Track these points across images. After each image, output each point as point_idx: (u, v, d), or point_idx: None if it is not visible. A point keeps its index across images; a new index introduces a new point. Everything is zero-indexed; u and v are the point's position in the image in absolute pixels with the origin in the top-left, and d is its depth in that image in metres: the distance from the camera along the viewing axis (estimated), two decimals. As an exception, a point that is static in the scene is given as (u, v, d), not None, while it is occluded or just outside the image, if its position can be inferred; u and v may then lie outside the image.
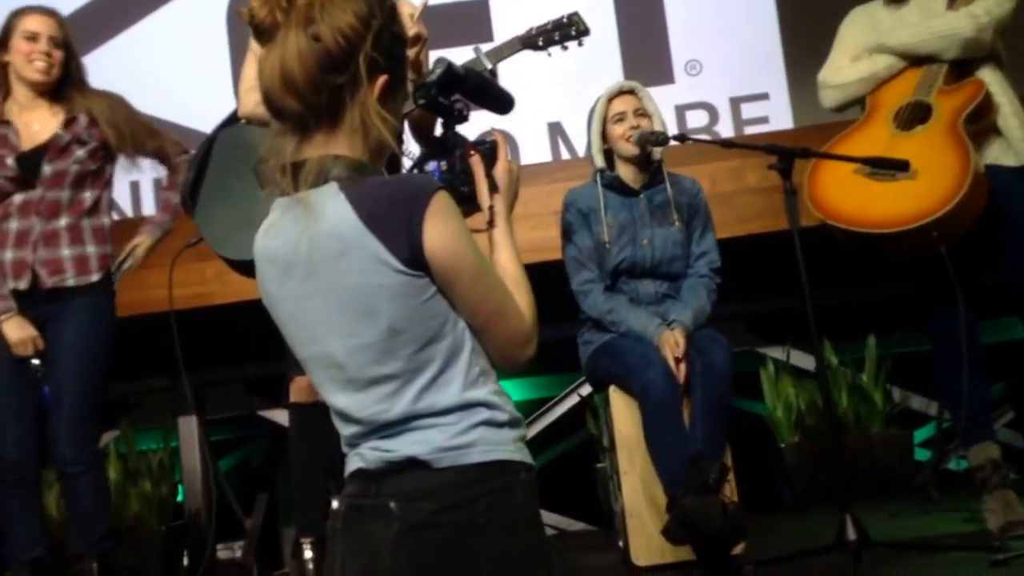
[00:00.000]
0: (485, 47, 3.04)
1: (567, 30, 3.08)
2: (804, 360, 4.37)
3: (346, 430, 1.71)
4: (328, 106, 1.65)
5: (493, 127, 4.39)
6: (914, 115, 3.19)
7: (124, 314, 3.47)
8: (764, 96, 4.71)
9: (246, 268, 3.08)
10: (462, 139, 1.94)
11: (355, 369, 1.65)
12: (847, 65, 3.37)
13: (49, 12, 3.38)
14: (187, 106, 4.44)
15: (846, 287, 4.42)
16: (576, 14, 3.10)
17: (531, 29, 3.09)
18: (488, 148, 1.87)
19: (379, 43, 1.67)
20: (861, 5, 3.46)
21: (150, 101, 4.64)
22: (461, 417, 1.65)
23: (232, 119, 3.17)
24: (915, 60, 3.27)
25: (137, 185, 4.62)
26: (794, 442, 4.22)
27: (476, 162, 1.86)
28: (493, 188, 1.84)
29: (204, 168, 3.11)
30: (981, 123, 3.17)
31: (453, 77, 2.00)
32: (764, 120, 4.68)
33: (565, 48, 3.10)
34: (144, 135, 3.44)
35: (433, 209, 1.61)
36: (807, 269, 2.92)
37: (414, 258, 1.61)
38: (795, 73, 4.69)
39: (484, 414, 1.66)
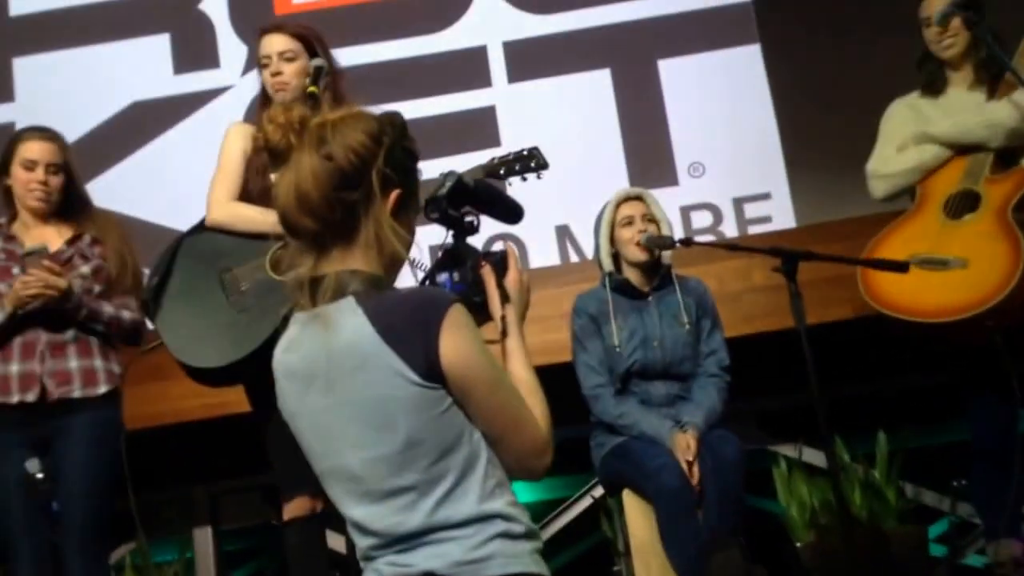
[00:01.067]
0: (459, 167, 3.14)
1: (527, 163, 3.19)
2: (816, 457, 4.34)
3: (363, 542, 1.71)
4: (343, 223, 1.69)
5: (503, 238, 4.51)
6: (963, 204, 3.22)
7: (137, 426, 3.45)
8: (766, 196, 4.78)
9: (206, 376, 3.13)
10: (473, 250, 1.97)
11: (372, 481, 1.67)
12: (894, 155, 3.40)
13: (48, 136, 3.39)
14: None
15: (855, 382, 4.42)
16: (536, 148, 3.21)
17: (493, 159, 3.21)
18: (498, 259, 1.91)
19: (391, 159, 1.73)
20: (899, 98, 3.50)
21: (169, 213, 4.77)
22: (478, 530, 1.65)
23: (199, 227, 3.23)
24: (961, 150, 3.30)
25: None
26: (810, 542, 4.18)
27: (487, 273, 1.89)
28: (505, 298, 1.87)
29: (168, 275, 3.15)
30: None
31: (463, 189, 2.05)
32: (767, 219, 4.73)
33: (524, 179, 3.20)
34: (134, 276, 3.44)
35: (449, 322, 1.65)
36: (817, 366, 2.94)
37: (431, 370, 1.64)
38: (795, 173, 4.76)
39: (501, 526, 1.67)
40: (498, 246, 1.97)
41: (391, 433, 1.65)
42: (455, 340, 1.65)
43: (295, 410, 1.74)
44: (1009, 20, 3.45)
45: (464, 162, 3.19)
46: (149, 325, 3.31)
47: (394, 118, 1.80)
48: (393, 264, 1.76)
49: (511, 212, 2.45)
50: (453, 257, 1.98)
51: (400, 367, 1.64)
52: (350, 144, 1.69)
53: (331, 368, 1.67)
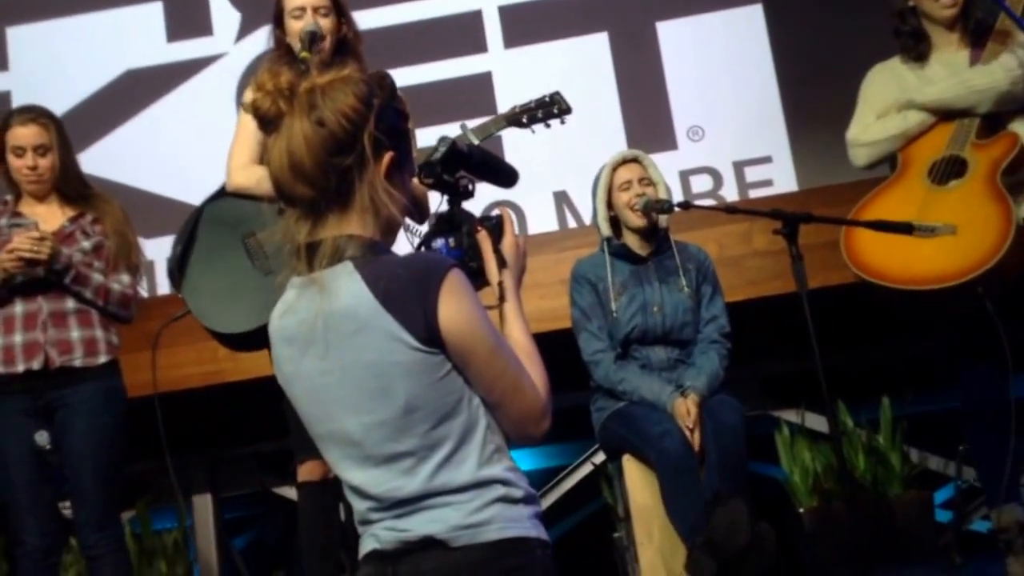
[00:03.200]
0: (471, 123, 3.10)
1: (550, 108, 3.15)
2: (819, 423, 4.33)
3: (361, 505, 1.71)
4: (338, 188, 1.68)
5: (501, 204, 4.49)
6: (949, 170, 3.17)
7: (138, 394, 3.46)
8: (767, 159, 4.74)
9: (234, 341, 3.12)
10: (468, 215, 1.95)
11: (371, 446, 1.66)
12: (875, 122, 3.35)
13: (32, 118, 3.36)
14: (200, 184, 4.50)
15: (859, 347, 4.41)
16: (558, 93, 3.18)
17: (515, 107, 3.17)
18: (494, 224, 1.89)
19: (382, 121, 1.71)
20: (879, 63, 3.44)
21: (164, 181, 4.75)
22: (476, 495, 1.65)
23: (220, 193, 3.20)
24: (946, 115, 3.25)
25: (152, 265, 4.64)
26: (812, 507, 4.17)
27: (483, 238, 1.88)
28: (501, 263, 1.86)
29: (191, 242, 3.13)
30: (1016, 175, 3.14)
31: (457, 154, 2.03)
32: (768, 183, 4.70)
33: (548, 126, 3.17)
34: (135, 253, 3.46)
35: (448, 287, 1.64)
36: (819, 330, 2.91)
37: (430, 336, 1.63)
38: (797, 136, 4.72)
39: (500, 491, 1.66)
40: (495, 212, 1.94)
41: (390, 398, 1.64)
42: (454, 305, 1.64)
43: (292, 374, 1.73)
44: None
45: (456, 129, 3.14)
46: (167, 292, 3.29)
47: (383, 79, 1.77)
48: (390, 228, 1.75)
49: (506, 176, 2.43)
50: (449, 222, 1.95)
51: (399, 332, 1.63)
52: (341, 108, 1.67)
53: (328, 332, 1.66)
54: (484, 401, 1.69)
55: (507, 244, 1.87)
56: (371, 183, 1.69)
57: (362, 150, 1.68)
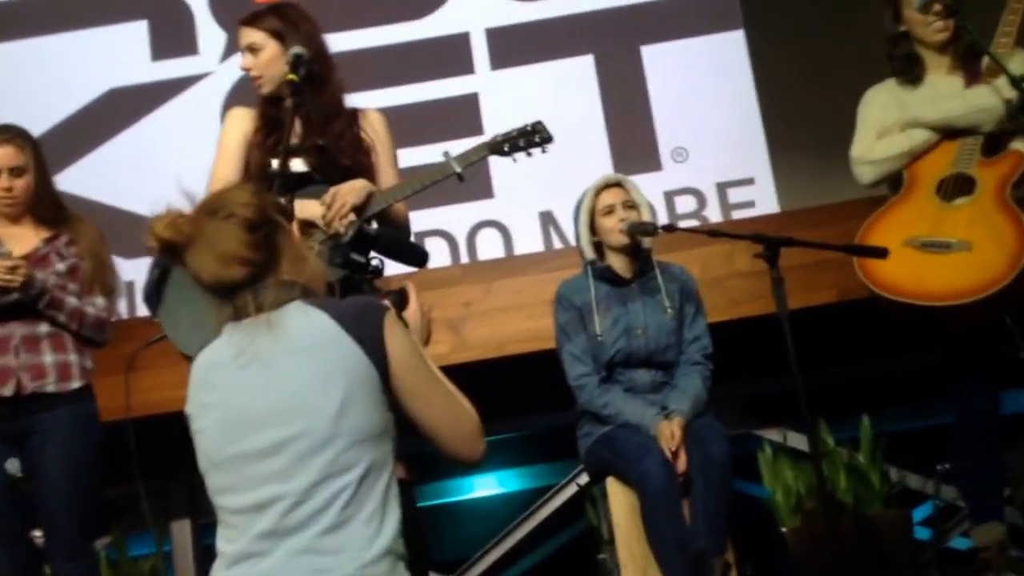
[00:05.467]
0: (454, 151, 3.11)
1: (531, 138, 3.14)
2: (801, 441, 4.35)
3: (253, 527, 1.76)
4: (268, 255, 1.85)
5: (487, 223, 4.53)
6: (957, 187, 3.20)
7: (116, 417, 3.38)
8: (750, 181, 4.78)
9: None
10: (375, 290, 2.23)
11: (283, 459, 1.75)
12: (880, 141, 3.36)
13: (8, 138, 3.29)
14: (183, 205, 4.49)
15: (840, 366, 4.43)
16: (540, 123, 3.16)
17: (496, 136, 3.15)
18: (397, 296, 2.09)
19: (272, 203, 1.94)
20: (876, 85, 3.46)
21: (147, 201, 4.71)
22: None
23: None
24: (949, 134, 3.27)
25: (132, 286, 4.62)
26: (795, 526, 4.18)
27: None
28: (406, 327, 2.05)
29: (169, 265, 3.12)
30: (1020, 190, 3.17)
31: (365, 238, 2.23)
32: (751, 204, 4.74)
33: (529, 155, 3.16)
34: (111, 273, 3.42)
35: (390, 320, 1.82)
36: (801, 350, 2.93)
37: (378, 360, 1.78)
38: (779, 158, 4.77)
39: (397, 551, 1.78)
40: (398, 286, 2.15)
41: (326, 401, 1.75)
42: (398, 331, 1.82)
43: (207, 402, 1.84)
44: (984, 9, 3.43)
45: (445, 148, 3.16)
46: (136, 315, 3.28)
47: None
48: (315, 282, 1.92)
49: (415, 256, 2.59)
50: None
51: (354, 347, 1.77)
52: (240, 200, 1.86)
53: (276, 349, 1.78)
54: (425, 428, 1.83)
55: (410, 312, 2.07)
56: (291, 245, 1.89)
57: (273, 220, 1.87)
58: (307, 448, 1.74)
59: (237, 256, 1.81)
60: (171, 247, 1.84)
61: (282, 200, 2.06)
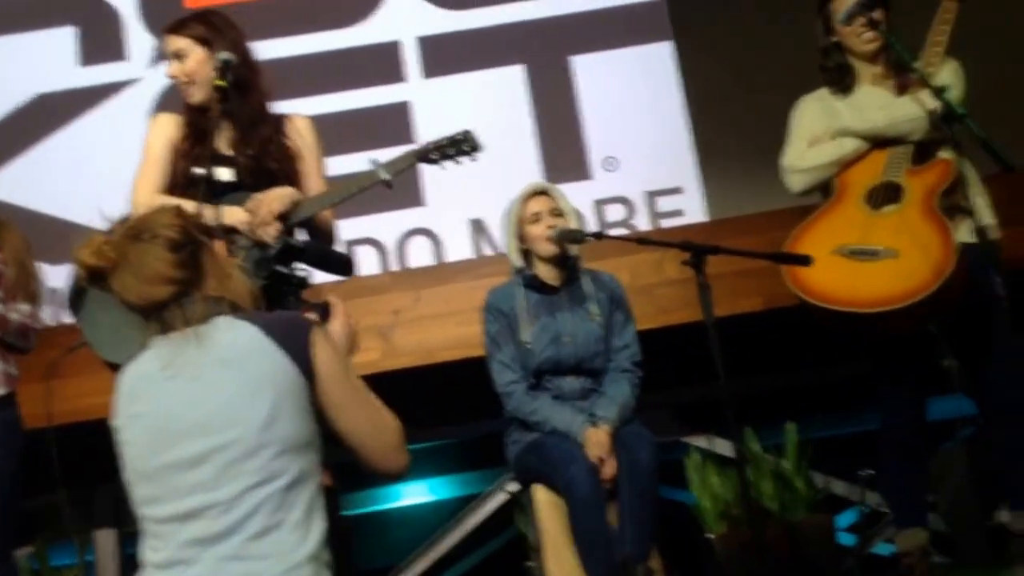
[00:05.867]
0: (383, 158, 3.11)
1: (460, 146, 3.15)
2: (728, 448, 4.40)
3: (179, 535, 1.78)
4: (194, 272, 1.87)
5: (417, 231, 4.53)
6: (885, 195, 3.24)
7: (39, 424, 3.34)
8: (678, 190, 4.85)
9: None
10: (300, 303, 2.23)
11: (212, 467, 1.76)
12: (810, 150, 3.39)
13: None
14: (110, 210, 4.43)
15: (767, 373, 4.49)
16: (470, 131, 3.18)
17: (427, 144, 3.16)
18: (322, 309, 2.10)
19: (195, 224, 1.95)
20: (807, 95, 3.50)
21: (74, 207, 4.66)
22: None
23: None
24: (880, 143, 3.32)
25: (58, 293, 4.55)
26: (721, 532, 4.23)
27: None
28: None
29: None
30: (950, 199, 3.21)
31: (291, 250, 2.26)
32: (679, 213, 4.81)
33: (458, 163, 3.17)
34: (35, 280, 3.39)
35: (317, 334, 1.85)
36: (728, 357, 2.97)
37: (306, 371, 1.81)
38: (706, 168, 4.84)
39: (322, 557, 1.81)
40: (324, 300, 2.15)
41: (255, 405, 1.76)
42: (326, 348, 1.85)
43: (135, 413, 1.84)
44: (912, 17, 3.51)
45: (380, 157, 3.15)
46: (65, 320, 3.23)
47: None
48: (241, 298, 1.93)
49: (341, 266, 2.61)
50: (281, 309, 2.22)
51: (282, 358, 1.79)
52: (163, 222, 1.88)
53: (204, 361, 1.79)
54: (350, 440, 1.86)
55: (335, 325, 2.06)
56: (216, 262, 1.91)
57: (197, 239, 1.89)
58: (235, 457, 1.74)
59: (162, 275, 1.84)
60: (97, 273, 1.85)
61: (207, 207, 2.04)
